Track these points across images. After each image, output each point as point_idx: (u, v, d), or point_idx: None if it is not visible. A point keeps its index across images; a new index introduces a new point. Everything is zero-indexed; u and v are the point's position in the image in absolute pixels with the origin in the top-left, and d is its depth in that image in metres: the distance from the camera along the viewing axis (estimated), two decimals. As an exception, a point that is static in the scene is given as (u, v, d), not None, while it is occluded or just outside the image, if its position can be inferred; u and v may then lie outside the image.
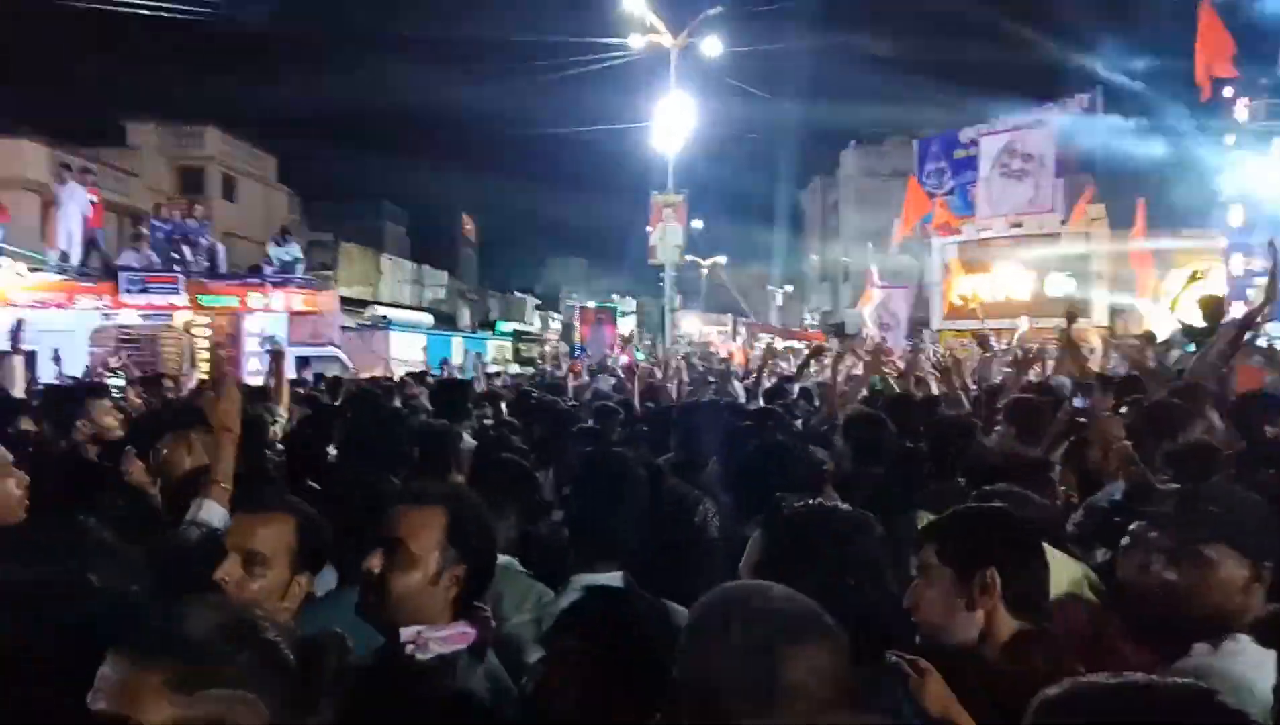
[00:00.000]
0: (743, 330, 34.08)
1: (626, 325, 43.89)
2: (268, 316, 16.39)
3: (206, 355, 15.98)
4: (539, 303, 49.16)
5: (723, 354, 21.69)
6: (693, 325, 48.33)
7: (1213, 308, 7.11)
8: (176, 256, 16.70)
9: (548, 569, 2.55)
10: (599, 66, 24.12)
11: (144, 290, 15.76)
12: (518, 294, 45.52)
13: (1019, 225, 20.99)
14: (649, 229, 24.96)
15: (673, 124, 23.78)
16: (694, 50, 23.23)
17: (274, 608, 1.89)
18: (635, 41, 23.10)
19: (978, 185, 21.96)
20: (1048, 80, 22.29)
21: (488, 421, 5.72)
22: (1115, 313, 18.08)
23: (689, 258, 32.19)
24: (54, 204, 16.46)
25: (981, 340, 9.58)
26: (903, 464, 3.64)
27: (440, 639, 1.75)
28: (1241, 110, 16.52)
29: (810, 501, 2.14)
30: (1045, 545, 2.11)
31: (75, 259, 16.09)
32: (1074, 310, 6.42)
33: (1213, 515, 1.90)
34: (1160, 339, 8.33)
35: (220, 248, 17.89)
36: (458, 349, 26.18)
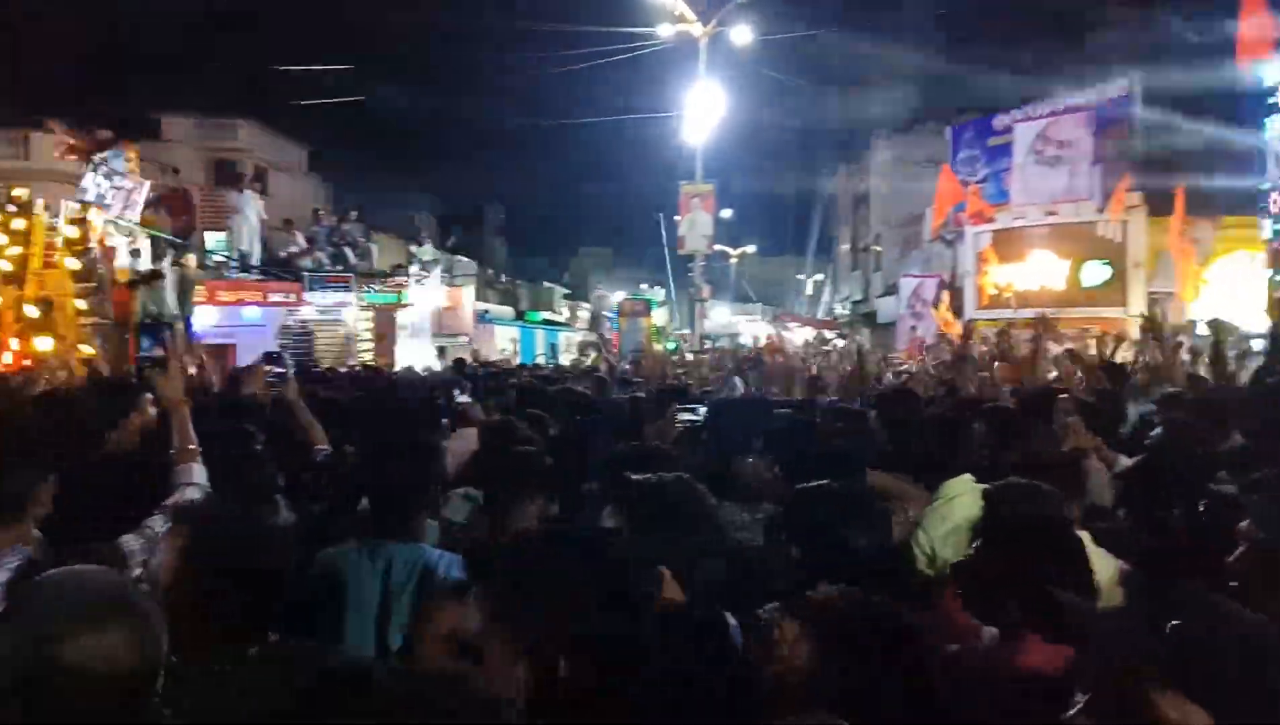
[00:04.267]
0: (771, 320, 34.02)
1: (660, 316, 43.93)
2: (417, 310, 18.57)
3: (370, 345, 17.89)
4: (568, 292, 49.20)
5: (759, 341, 21.54)
6: (721, 316, 48.16)
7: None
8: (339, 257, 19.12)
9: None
10: (627, 56, 24.02)
11: (323, 288, 18.07)
12: (546, 284, 45.62)
13: (1054, 213, 20.64)
14: (677, 219, 24.87)
15: (701, 113, 23.65)
16: (723, 38, 23.07)
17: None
18: (664, 30, 22.97)
19: (1012, 173, 21.62)
20: (1085, 64, 21.81)
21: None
22: (1153, 301, 17.75)
23: (718, 247, 32.05)
24: (234, 210, 18.58)
25: (1001, 332, 9.43)
26: (938, 438, 3.60)
27: None
28: (1285, 94, 16.08)
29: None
30: (1087, 541, 2.10)
31: (255, 259, 18.21)
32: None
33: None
34: (1199, 331, 8.18)
35: (374, 248, 20.36)
36: (540, 338, 31.71)
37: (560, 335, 37.30)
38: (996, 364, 6.56)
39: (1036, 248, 20.61)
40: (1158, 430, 3.84)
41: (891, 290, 31.90)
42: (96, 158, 14.48)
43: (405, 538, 2.65)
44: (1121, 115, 19.88)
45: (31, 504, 2.36)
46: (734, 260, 49.13)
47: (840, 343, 16.96)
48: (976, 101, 24.45)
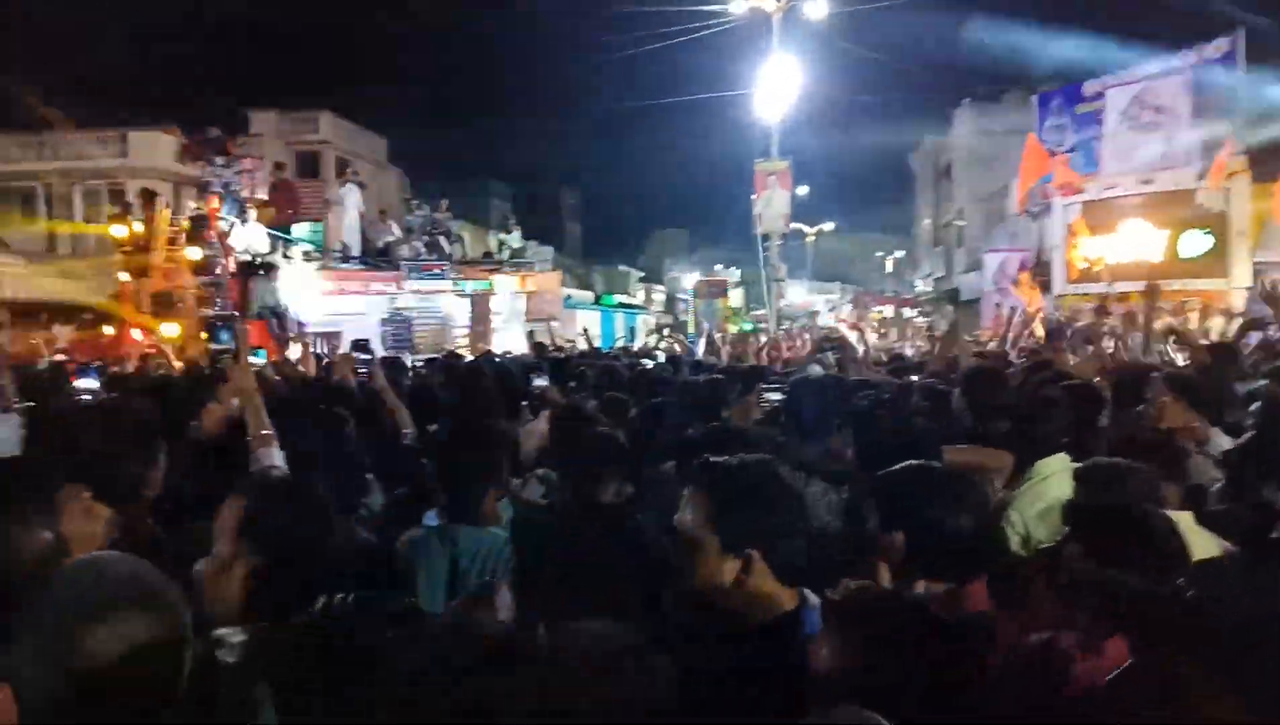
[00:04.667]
0: (851, 300, 33.39)
1: (736, 297, 43.41)
2: (507, 296, 18.98)
3: (466, 331, 18.34)
4: (642, 275, 49.15)
5: (831, 323, 21.30)
6: (798, 295, 47.43)
7: None
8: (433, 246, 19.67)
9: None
10: (699, 35, 23.79)
11: (420, 277, 18.48)
12: (621, 267, 45.69)
13: (1150, 182, 19.73)
14: (753, 197, 24.55)
15: (775, 89, 23.27)
16: (797, 11, 22.63)
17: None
18: (736, 7, 22.65)
19: (1103, 141, 20.73)
20: (1182, 25, 20.73)
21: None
22: (1259, 273, 16.84)
23: (794, 226, 31.56)
24: (335, 202, 19.40)
25: (1099, 307, 9.08)
26: (1029, 417, 3.48)
27: None
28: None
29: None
30: (1188, 523, 2.01)
31: (355, 250, 18.70)
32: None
33: None
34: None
35: (465, 237, 21.37)
36: (619, 321, 32.47)
37: (639, 317, 37.66)
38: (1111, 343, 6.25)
39: (1130, 218, 19.74)
40: (1256, 405, 3.65)
41: (975, 266, 31.02)
42: (219, 159, 15.54)
43: (473, 521, 2.70)
44: (1222, 77, 18.84)
45: (145, 486, 2.51)
46: (811, 238, 48.17)
47: (922, 321, 16.60)
48: (1064, 67, 23.50)
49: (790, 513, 1.87)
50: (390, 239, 19.70)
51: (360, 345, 8.78)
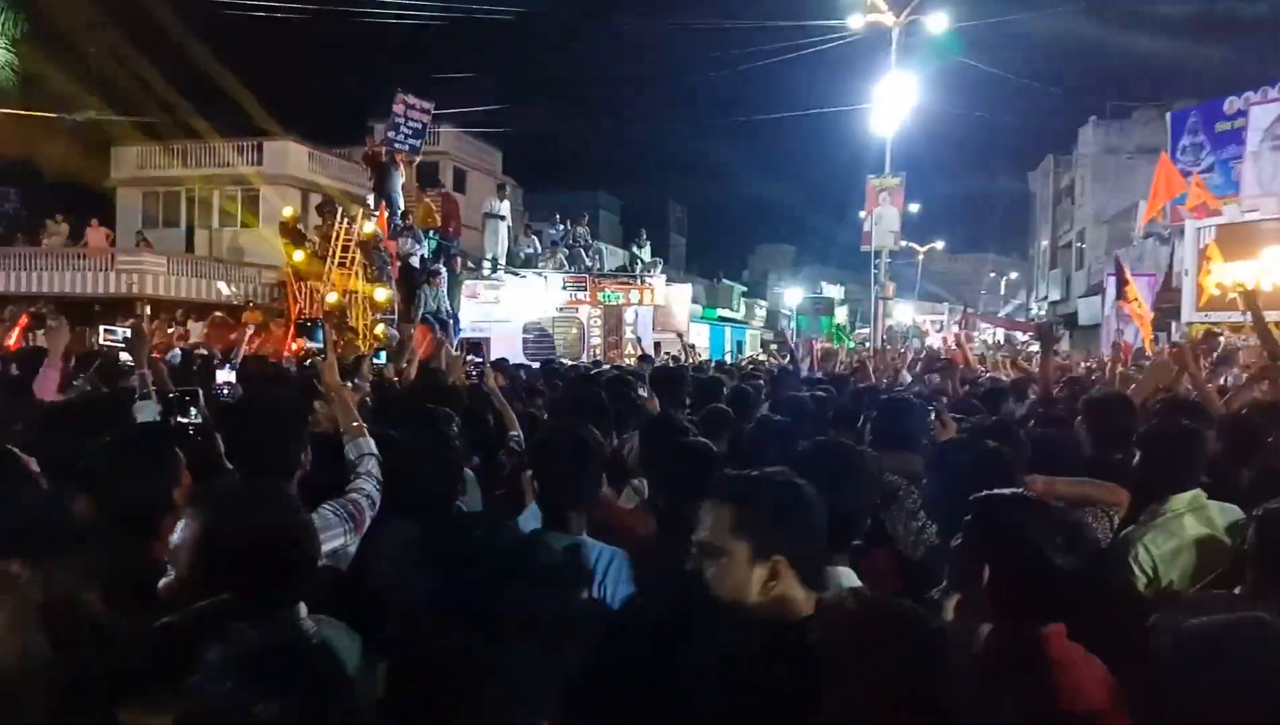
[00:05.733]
0: (959, 320, 32.26)
1: (841, 315, 42.76)
2: (638, 308, 20.03)
3: (599, 341, 19.40)
4: (744, 290, 48.74)
5: (934, 344, 20.66)
6: (905, 315, 46.26)
7: None
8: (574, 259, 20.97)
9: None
10: (817, 49, 23.57)
11: (563, 288, 19.71)
12: (725, 281, 45.46)
13: (1294, 206, 18.46)
14: (862, 214, 24.08)
15: (892, 105, 22.82)
16: (916, 27, 22.16)
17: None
18: (855, 22, 22.32)
19: (1244, 161, 19.51)
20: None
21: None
22: None
23: (904, 243, 30.84)
24: (492, 214, 20.30)
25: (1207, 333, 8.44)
26: (1160, 450, 3.25)
27: None
28: None
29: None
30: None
31: (503, 261, 19.75)
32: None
33: None
34: None
35: (604, 249, 22.93)
36: (728, 335, 33.27)
37: (746, 332, 38.12)
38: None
39: (1273, 244, 18.50)
40: None
41: (1095, 290, 29.64)
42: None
43: (562, 530, 2.69)
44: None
45: (300, 466, 2.91)
46: (920, 256, 46.89)
47: (1035, 347, 15.87)
48: (1198, 85, 22.27)
49: (814, 519, 1.93)
50: (530, 251, 20.91)
51: (473, 347, 9.00)
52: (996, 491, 2.17)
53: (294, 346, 11.46)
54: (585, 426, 3.02)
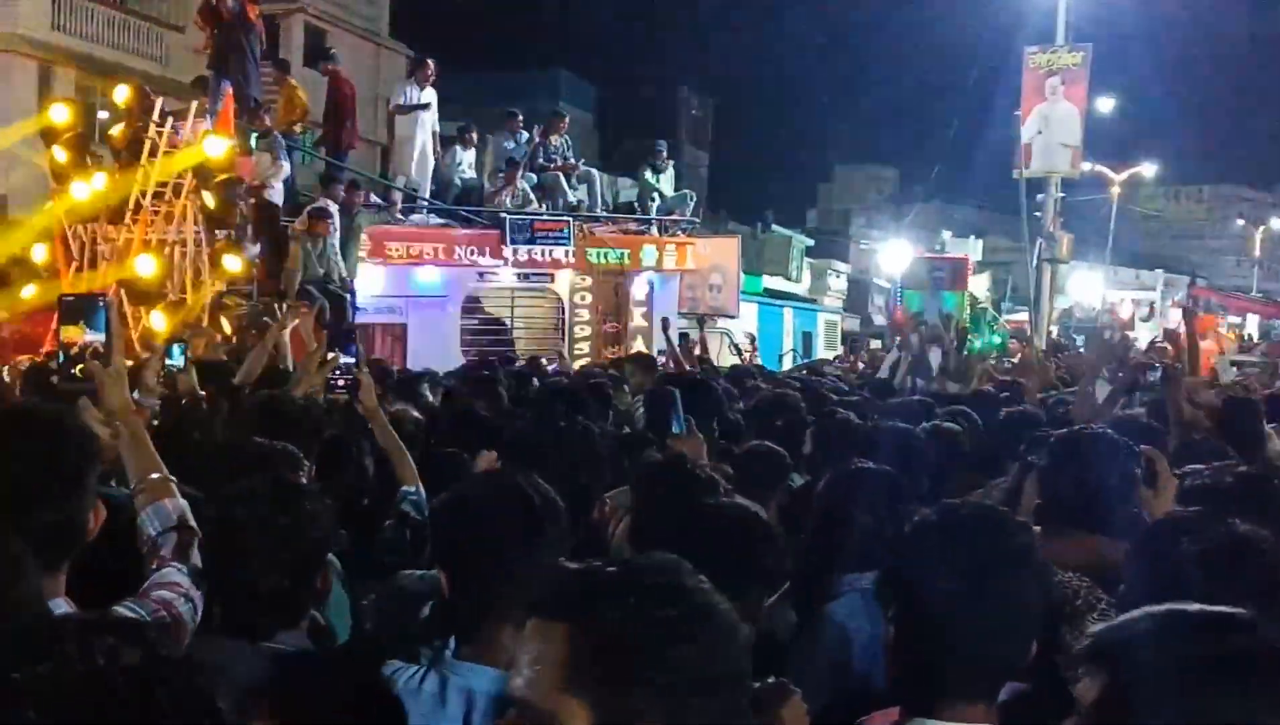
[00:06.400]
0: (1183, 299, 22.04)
1: (980, 285, 23.48)
2: (653, 277, 12.63)
3: (589, 330, 12.18)
4: (809, 244, 30.00)
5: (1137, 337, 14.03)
6: (1090, 286, 30.95)
7: None
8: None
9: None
10: None
11: (530, 241, 11.56)
12: (777, 230, 28.59)
13: None
14: (1016, 114, 15.44)
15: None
16: None
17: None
18: None
19: None
20: None
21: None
22: None
23: (1088, 167, 19.92)
24: (406, 107, 11.46)
25: None
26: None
27: None
28: None
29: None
30: None
31: (425, 191, 11.93)
32: None
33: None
34: None
35: (596, 175, 13.08)
36: (788, 321, 22.32)
37: (818, 316, 24.94)
38: None
39: None
40: None
41: None
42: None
43: (484, 657, 1.99)
44: None
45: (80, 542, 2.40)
46: (1116, 189, 29.29)
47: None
48: None
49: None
50: (467, 176, 12.13)
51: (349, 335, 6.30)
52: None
53: (57, 338, 6.46)
54: (530, 477, 1.98)
